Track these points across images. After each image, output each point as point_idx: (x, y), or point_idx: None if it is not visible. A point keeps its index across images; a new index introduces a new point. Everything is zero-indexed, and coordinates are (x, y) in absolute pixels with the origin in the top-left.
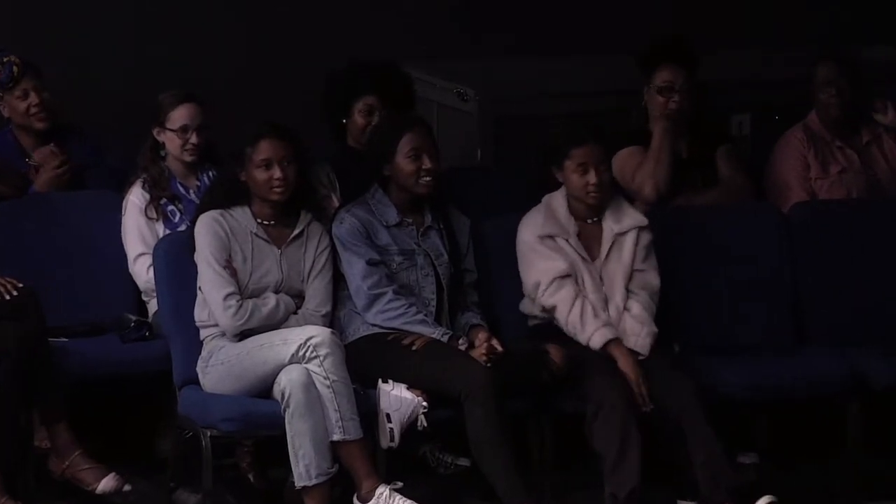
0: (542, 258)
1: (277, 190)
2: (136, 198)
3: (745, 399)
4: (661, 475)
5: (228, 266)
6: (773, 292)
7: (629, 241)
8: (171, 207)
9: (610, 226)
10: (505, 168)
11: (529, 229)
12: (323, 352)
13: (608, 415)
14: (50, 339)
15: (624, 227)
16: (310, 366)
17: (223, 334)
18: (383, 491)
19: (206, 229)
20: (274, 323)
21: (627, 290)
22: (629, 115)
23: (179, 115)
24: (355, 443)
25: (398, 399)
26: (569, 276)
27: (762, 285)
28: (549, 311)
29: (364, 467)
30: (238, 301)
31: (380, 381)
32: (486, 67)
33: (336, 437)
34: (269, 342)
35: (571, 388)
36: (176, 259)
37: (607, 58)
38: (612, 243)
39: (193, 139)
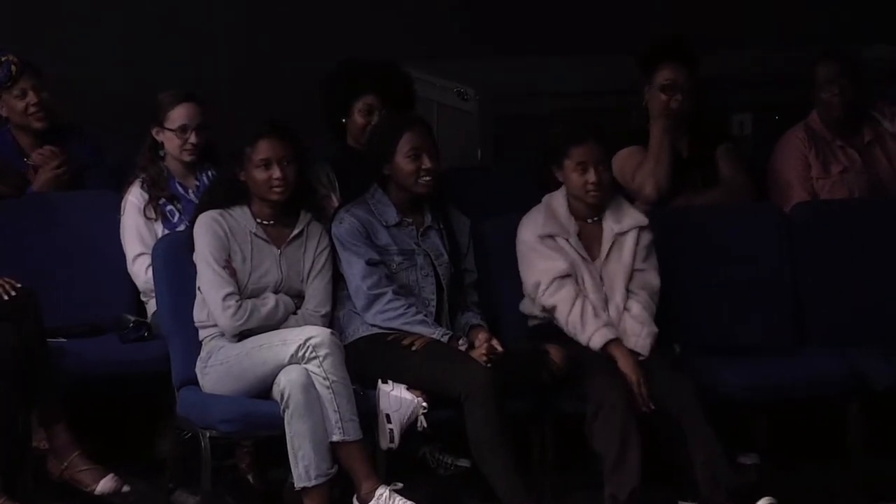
0: (542, 258)
1: (277, 190)
2: (134, 198)
3: (745, 399)
4: (661, 475)
5: (228, 266)
6: (774, 292)
7: (629, 240)
8: (169, 207)
9: (610, 225)
10: (505, 168)
11: (529, 229)
12: (322, 352)
13: (608, 415)
14: (48, 340)
15: (624, 226)
16: (309, 366)
17: (222, 335)
18: (383, 492)
19: (206, 229)
20: (273, 323)
21: (627, 290)
22: (629, 115)
23: (178, 115)
24: (355, 443)
25: (398, 400)
26: (569, 276)
27: (762, 285)
28: (550, 311)
29: (364, 468)
30: (237, 301)
31: (379, 381)
32: (486, 67)
33: (335, 438)
34: (268, 343)
35: (572, 389)
36: (175, 259)
37: (607, 58)
38: (613, 243)
39: (192, 139)
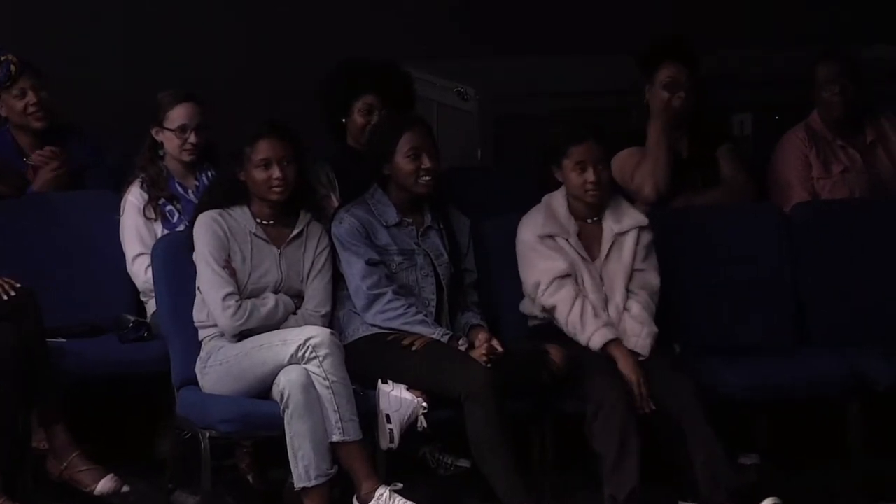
0: (542, 258)
1: (276, 190)
2: (134, 198)
3: (745, 399)
4: (661, 475)
5: (227, 266)
6: (774, 292)
7: (629, 240)
8: (169, 207)
9: (610, 225)
10: (505, 168)
11: (529, 229)
12: (322, 352)
13: (608, 415)
14: (48, 340)
15: (624, 226)
16: (309, 366)
17: (222, 335)
18: (383, 492)
19: (205, 229)
20: (273, 323)
21: (627, 290)
22: (629, 115)
23: (178, 115)
24: (355, 444)
25: (398, 400)
26: (569, 276)
27: (762, 285)
28: (549, 311)
29: (364, 468)
30: (237, 301)
31: (379, 381)
32: (486, 67)
33: (335, 438)
34: (268, 343)
35: (572, 389)
36: (174, 259)
37: (607, 58)
38: (613, 243)
39: (192, 139)
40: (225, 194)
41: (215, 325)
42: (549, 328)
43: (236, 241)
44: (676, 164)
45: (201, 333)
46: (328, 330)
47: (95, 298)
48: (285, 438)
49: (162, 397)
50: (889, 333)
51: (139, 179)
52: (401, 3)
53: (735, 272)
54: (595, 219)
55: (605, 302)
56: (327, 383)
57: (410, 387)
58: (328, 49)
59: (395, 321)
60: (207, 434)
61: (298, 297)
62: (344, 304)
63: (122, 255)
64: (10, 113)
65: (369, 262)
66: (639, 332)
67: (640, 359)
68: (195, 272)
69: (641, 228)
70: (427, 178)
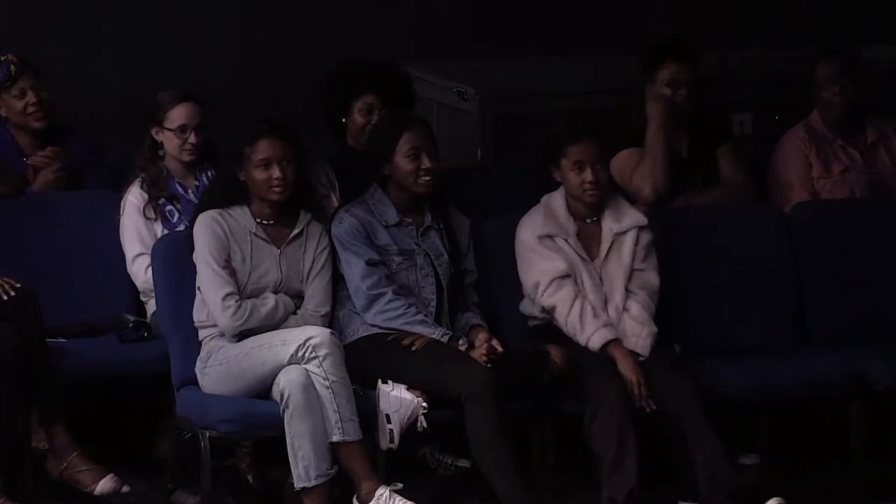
0: (541, 258)
1: (276, 190)
2: (134, 198)
3: (745, 399)
4: (661, 475)
5: (227, 266)
6: (774, 292)
7: (629, 240)
8: (169, 207)
9: (609, 225)
10: (505, 168)
11: (528, 229)
12: (322, 352)
13: (606, 415)
14: (48, 340)
15: (623, 226)
16: (309, 366)
17: (222, 335)
18: (383, 492)
19: (205, 229)
20: (273, 323)
21: (627, 290)
22: (629, 115)
23: (178, 115)
24: (355, 444)
25: (398, 400)
26: (568, 276)
27: (762, 285)
28: (549, 311)
29: (363, 468)
30: (237, 301)
31: (379, 381)
32: (486, 67)
33: (335, 438)
34: (268, 343)
35: (572, 389)
36: (174, 259)
37: (607, 58)
38: (612, 243)
39: (192, 139)
40: (225, 194)
41: (215, 325)
42: (548, 328)
43: (236, 241)
44: (676, 164)
45: (201, 333)
46: (328, 330)
47: (95, 298)
48: (285, 438)
49: (162, 397)
50: (889, 333)
51: (139, 179)
52: (401, 3)
53: (735, 272)
54: (594, 219)
55: (605, 302)
56: (327, 383)
57: (410, 387)
58: (328, 49)
59: (395, 321)
60: (207, 434)
61: (298, 297)
62: (344, 304)
63: (122, 255)
64: (9, 113)
65: (369, 263)
66: (639, 333)
67: (641, 359)
68: (195, 272)
69: (641, 228)
70: (427, 177)
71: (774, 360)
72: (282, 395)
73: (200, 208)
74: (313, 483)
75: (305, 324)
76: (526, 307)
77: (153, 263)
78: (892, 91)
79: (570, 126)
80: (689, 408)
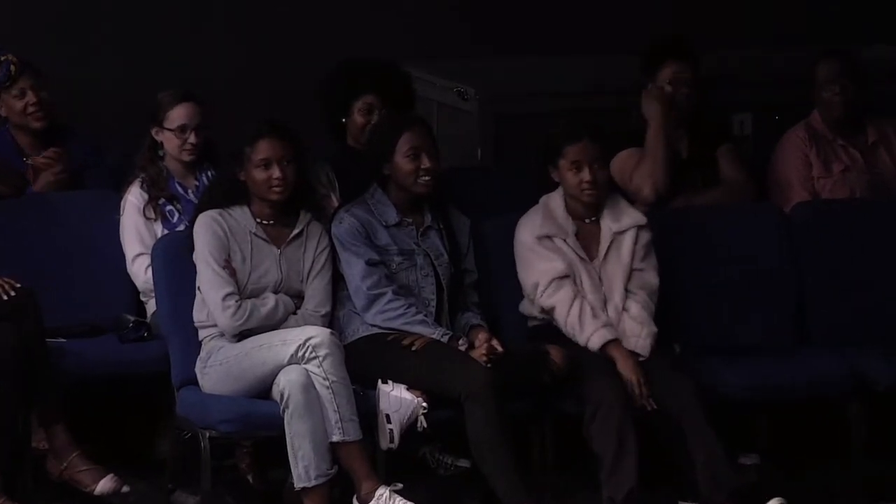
0: (540, 259)
1: (276, 190)
2: (134, 198)
3: (745, 399)
4: (661, 475)
5: (227, 266)
6: (774, 292)
7: (628, 240)
8: (169, 207)
9: (608, 225)
10: (505, 168)
11: (527, 230)
12: (322, 352)
13: (605, 416)
14: (48, 340)
15: (623, 226)
16: (309, 366)
17: (222, 335)
18: (383, 492)
19: (205, 229)
20: (273, 323)
21: (626, 290)
22: (629, 115)
23: (178, 115)
24: (355, 444)
25: (398, 400)
26: (567, 276)
27: (762, 285)
28: (548, 312)
29: (363, 468)
30: (237, 301)
31: (379, 381)
32: (486, 67)
33: (335, 438)
34: (268, 343)
35: (572, 389)
36: (174, 259)
37: (607, 58)
38: (611, 242)
39: (192, 139)
40: (225, 194)
41: (215, 325)
42: (548, 329)
43: (236, 241)
44: (676, 164)
45: (201, 333)
46: (328, 330)
47: (95, 298)
48: (285, 438)
49: (162, 397)
50: (889, 333)
51: (139, 179)
52: (401, 3)
53: (735, 272)
54: (593, 218)
55: (604, 302)
56: (327, 383)
57: (410, 387)
58: (328, 49)
59: (395, 321)
60: (207, 434)
61: (298, 297)
62: (344, 304)
63: (122, 255)
64: (9, 113)
65: (369, 263)
66: (638, 333)
67: (640, 359)
68: (195, 272)
69: (640, 227)
70: (427, 177)
71: (774, 360)
72: (282, 395)
73: (200, 208)
74: (313, 483)
75: (305, 324)
76: (525, 307)
77: (153, 263)
78: (892, 91)
79: (569, 126)
80: (689, 408)
